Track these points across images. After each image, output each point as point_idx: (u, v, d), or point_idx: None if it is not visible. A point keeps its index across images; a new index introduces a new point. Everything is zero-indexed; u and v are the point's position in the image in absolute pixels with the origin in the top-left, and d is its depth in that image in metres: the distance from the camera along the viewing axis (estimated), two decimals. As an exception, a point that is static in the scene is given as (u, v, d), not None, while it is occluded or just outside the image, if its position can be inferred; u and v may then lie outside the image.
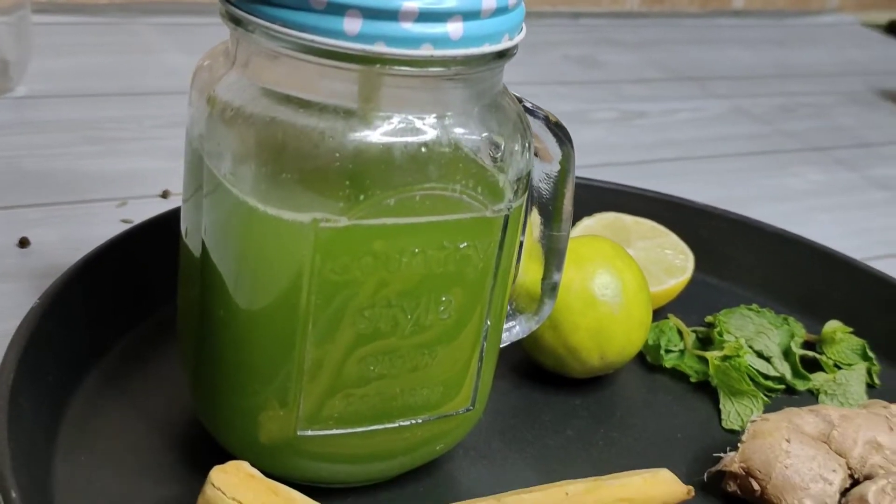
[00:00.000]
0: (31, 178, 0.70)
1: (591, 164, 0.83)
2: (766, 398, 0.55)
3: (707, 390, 0.57)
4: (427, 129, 0.39)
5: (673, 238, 0.63)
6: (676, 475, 0.47)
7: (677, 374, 0.58)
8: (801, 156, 0.97)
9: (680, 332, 0.59)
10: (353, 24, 0.37)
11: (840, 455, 0.48)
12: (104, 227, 0.64)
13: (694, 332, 0.60)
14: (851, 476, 0.48)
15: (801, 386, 0.57)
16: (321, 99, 0.39)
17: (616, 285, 0.53)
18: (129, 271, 0.54)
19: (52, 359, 0.48)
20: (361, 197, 0.39)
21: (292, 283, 0.40)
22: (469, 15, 0.38)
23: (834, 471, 0.47)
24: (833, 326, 0.60)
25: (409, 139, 0.39)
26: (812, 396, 0.57)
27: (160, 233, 0.55)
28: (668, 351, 0.58)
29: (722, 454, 0.49)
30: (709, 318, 0.61)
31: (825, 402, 0.57)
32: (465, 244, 0.42)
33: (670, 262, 0.62)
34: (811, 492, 0.46)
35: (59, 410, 0.48)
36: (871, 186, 0.92)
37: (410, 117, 0.39)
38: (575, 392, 0.55)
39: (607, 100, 1.03)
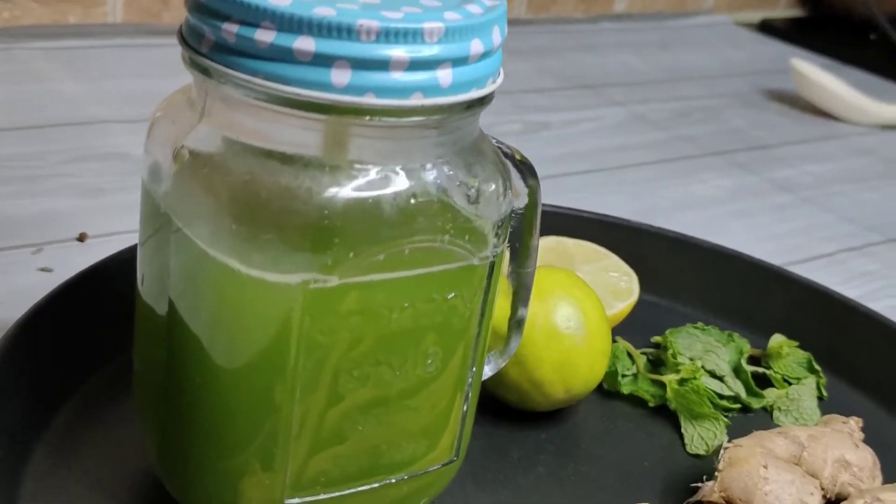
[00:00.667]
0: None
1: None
2: (726, 419, 0.55)
3: (665, 413, 0.57)
4: (413, 179, 0.38)
5: (615, 260, 0.63)
6: (654, 508, 0.47)
7: (634, 399, 0.57)
8: (704, 161, 0.98)
9: (631, 356, 0.59)
10: (341, 76, 0.35)
11: (812, 476, 0.49)
12: (22, 277, 0.60)
13: (644, 353, 0.60)
14: (825, 496, 0.49)
15: (755, 404, 0.58)
16: (305, 153, 0.37)
17: (578, 317, 0.52)
18: (65, 332, 0.51)
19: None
20: (351, 254, 0.37)
21: (278, 346, 0.38)
22: (458, 61, 0.37)
23: (812, 493, 0.48)
24: (778, 341, 0.61)
25: (397, 190, 0.37)
26: (766, 413, 0.58)
27: (90, 287, 0.52)
28: (623, 376, 0.58)
29: (699, 484, 0.49)
30: (656, 339, 0.61)
31: (780, 418, 0.57)
32: (453, 294, 0.40)
33: (616, 284, 0.61)
34: (792, 516, 0.47)
35: (11, 491, 0.44)
36: (774, 189, 0.94)
37: (397, 168, 0.38)
38: (538, 426, 0.54)
39: (509, 111, 1.02)
